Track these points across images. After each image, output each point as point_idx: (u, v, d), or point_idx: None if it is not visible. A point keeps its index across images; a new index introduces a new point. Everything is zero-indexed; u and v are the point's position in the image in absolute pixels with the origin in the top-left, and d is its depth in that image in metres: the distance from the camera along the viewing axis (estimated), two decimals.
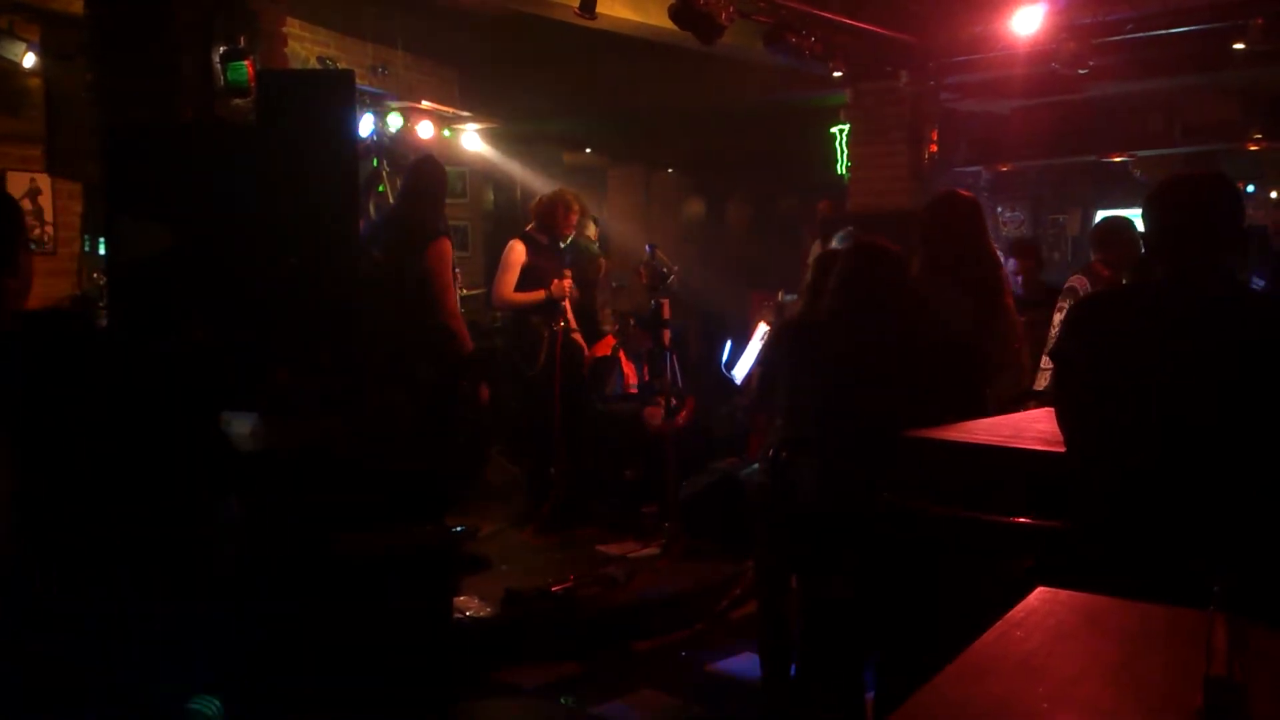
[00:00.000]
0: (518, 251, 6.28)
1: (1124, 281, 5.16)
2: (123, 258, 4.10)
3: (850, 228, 5.18)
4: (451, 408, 5.78)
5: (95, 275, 6.77)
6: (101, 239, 6.11)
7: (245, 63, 4.65)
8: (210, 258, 4.01)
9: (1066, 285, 5.33)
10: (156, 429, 3.05)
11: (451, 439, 5.84)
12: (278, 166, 4.10)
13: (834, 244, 5.50)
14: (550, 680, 4.61)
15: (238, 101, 4.70)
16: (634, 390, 7.18)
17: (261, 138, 4.24)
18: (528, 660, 4.73)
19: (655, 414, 6.34)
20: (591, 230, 7.69)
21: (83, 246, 7.16)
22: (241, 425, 3.60)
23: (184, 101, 4.63)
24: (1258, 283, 4.84)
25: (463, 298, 6.92)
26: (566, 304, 6.33)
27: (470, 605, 4.87)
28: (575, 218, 6.49)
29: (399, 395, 5.08)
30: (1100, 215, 11.88)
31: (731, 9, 6.42)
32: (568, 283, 6.33)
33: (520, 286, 6.24)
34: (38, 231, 6.88)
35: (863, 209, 8.58)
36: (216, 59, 4.68)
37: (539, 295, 6.24)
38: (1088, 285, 5.20)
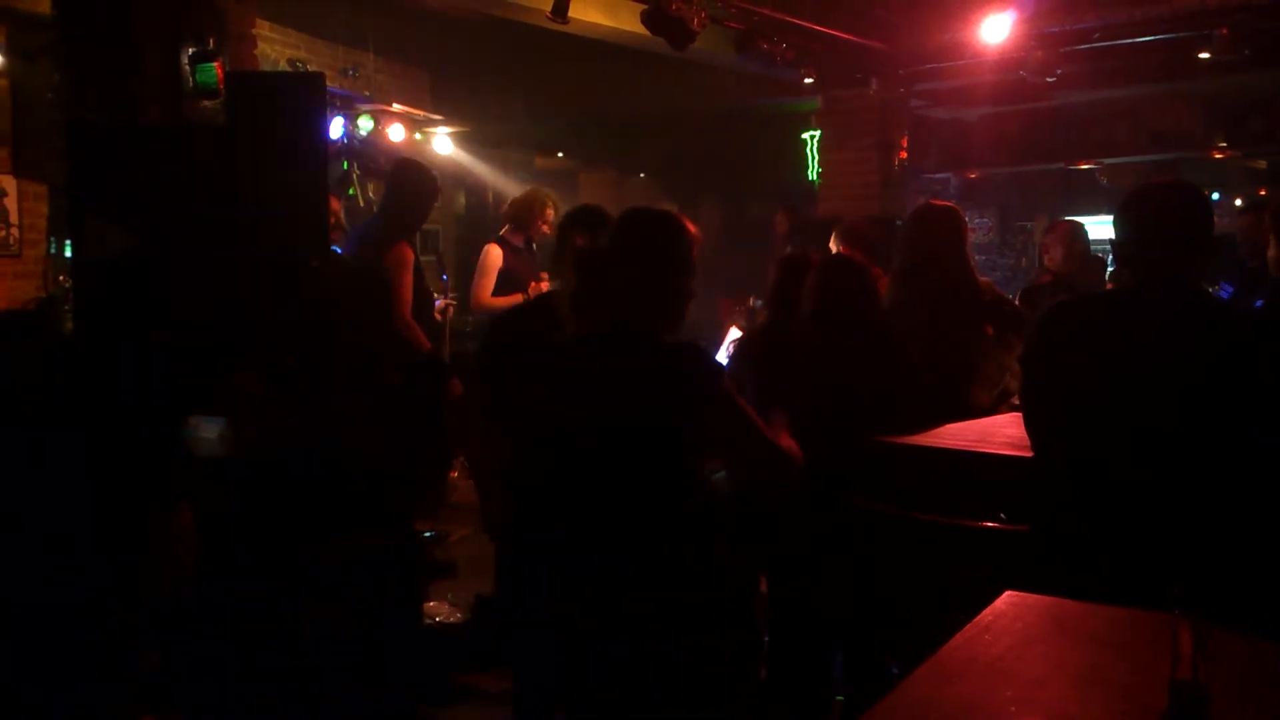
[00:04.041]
0: (494, 256, 6.25)
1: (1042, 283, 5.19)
2: (89, 260, 4.05)
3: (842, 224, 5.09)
4: (419, 410, 5.73)
5: (61, 278, 6.69)
6: (68, 241, 6.05)
7: (214, 64, 4.60)
8: (178, 261, 3.98)
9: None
10: (119, 432, 3.03)
11: (419, 443, 5.79)
12: (247, 169, 4.07)
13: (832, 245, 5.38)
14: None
15: (206, 103, 4.65)
16: None
17: (230, 140, 4.20)
18: (497, 666, 4.71)
19: None
20: None
21: (49, 249, 7.08)
22: (209, 430, 3.57)
23: (152, 103, 4.58)
24: (1226, 289, 4.86)
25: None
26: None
27: (440, 611, 4.85)
28: (551, 215, 6.44)
29: (366, 399, 5.04)
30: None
31: (704, 14, 6.43)
32: (544, 285, 6.30)
33: (496, 291, 6.21)
34: (3, 234, 6.80)
35: (832, 214, 8.60)
36: (185, 60, 4.63)
37: (517, 299, 6.21)
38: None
